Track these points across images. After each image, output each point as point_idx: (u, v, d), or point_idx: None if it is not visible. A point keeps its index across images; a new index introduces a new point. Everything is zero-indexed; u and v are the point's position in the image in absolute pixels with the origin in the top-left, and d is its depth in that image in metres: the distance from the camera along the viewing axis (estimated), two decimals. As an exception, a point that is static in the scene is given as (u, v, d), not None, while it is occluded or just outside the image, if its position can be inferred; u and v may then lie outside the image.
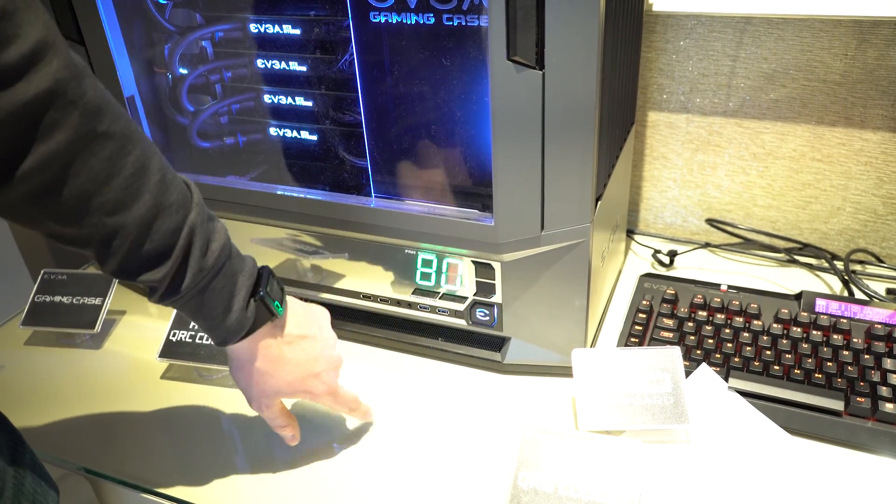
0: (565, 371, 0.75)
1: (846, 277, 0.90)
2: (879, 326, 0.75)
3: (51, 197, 0.46)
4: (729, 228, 1.01)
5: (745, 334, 0.77)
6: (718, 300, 0.81)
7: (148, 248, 0.51)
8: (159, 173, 0.51)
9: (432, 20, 0.65)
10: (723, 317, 0.79)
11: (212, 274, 0.55)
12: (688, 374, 0.72)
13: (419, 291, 0.80)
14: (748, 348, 0.75)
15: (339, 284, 0.83)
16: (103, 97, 0.47)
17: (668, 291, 0.84)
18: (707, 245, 1.02)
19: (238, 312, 0.57)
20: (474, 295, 0.77)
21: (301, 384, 0.64)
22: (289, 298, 0.64)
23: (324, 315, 0.67)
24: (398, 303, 0.81)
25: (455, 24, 0.65)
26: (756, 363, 0.73)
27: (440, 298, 0.79)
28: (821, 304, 0.80)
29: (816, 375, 0.71)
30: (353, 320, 0.85)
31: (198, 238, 0.53)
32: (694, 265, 0.98)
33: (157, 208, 0.51)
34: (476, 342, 0.81)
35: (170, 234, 0.52)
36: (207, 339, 0.79)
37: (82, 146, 0.46)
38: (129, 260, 0.51)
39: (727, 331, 0.77)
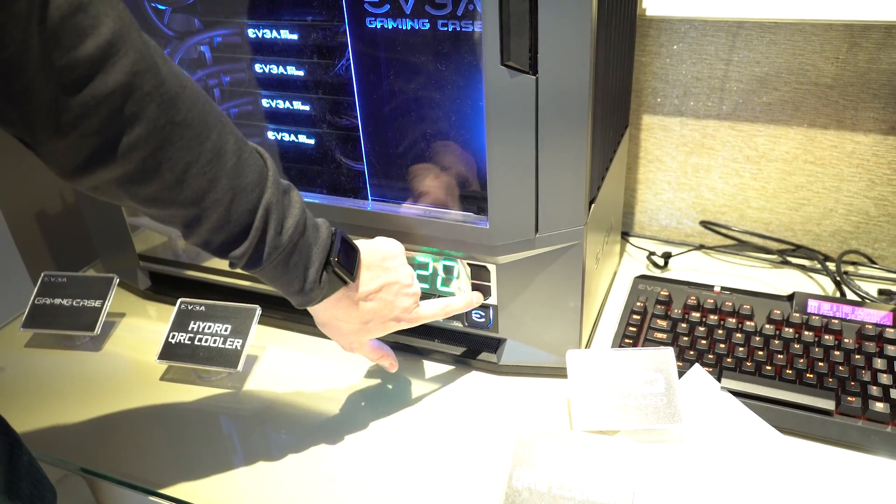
0: (560, 372, 0.76)
1: (838, 278, 0.91)
2: (870, 327, 0.76)
3: (134, 183, 0.49)
4: (723, 230, 1.02)
5: (738, 335, 0.78)
6: (712, 301, 0.82)
7: (227, 228, 0.54)
8: (235, 155, 0.52)
9: (427, 25, 0.66)
10: (716, 318, 0.80)
11: (288, 250, 0.57)
12: (681, 374, 0.73)
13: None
14: (741, 349, 0.76)
15: (337, 286, 0.84)
16: (179, 83, 0.48)
17: (661, 293, 0.85)
18: (701, 247, 1.03)
19: (312, 283, 0.60)
20: (470, 297, 0.78)
21: (383, 327, 0.68)
22: (360, 245, 0.66)
23: (397, 252, 0.69)
24: (395, 304, 0.82)
25: (450, 29, 0.65)
26: (748, 363, 0.74)
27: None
28: (813, 305, 0.81)
29: (808, 375, 0.72)
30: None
31: (273, 217, 0.55)
32: (688, 267, 0.99)
33: (234, 191, 0.53)
34: (472, 343, 0.81)
35: (246, 214, 0.54)
36: (206, 342, 0.80)
37: (161, 137, 0.47)
38: (210, 238, 0.54)
39: (720, 332, 0.78)
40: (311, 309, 0.65)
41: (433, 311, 0.72)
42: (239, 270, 0.58)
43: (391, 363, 0.75)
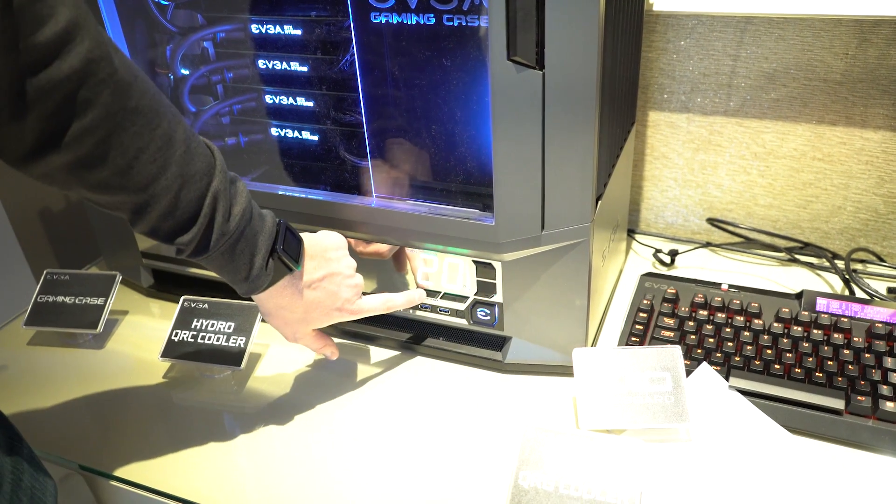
0: (566, 370, 0.75)
1: (847, 276, 0.90)
2: (880, 325, 0.75)
3: (85, 169, 0.50)
4: (730, 228, 1.01)
5: (746, 333, 0.77)
6: (719, 299, 0.82)
7: (176, 214, 0.55)
8: (184, 144, 0.54)
9: (433, 20, 0.65)
10: (723, 316, 0.80)
11: (235, 237, 0.59)
12: (688, 373, 0.73)
13: (420, 291, 0.80)
14: (749, 347, 0.75)
15: (341, 284, 0.84)
16: (131, 72, 0.50)
17: (668, 291, 0.84)
18: (708, 244, 1.02)
19: (258, 270, 0.61)
20: (475, 294, 0.77)
21: (327, 317, 0.70)
22: (304, 237, 0.67)
23: (340, 244, 0.71)
24: (399, 302, 0.81)
25: (455, 24, 0.65)
26: (757, 362, 0.74)
27: (441, 298, 0.79)
28: (821, 304, 0.80)
29: (817, 374, 0.71)
30: (353, 320, 0.85)
31: (221, 204, 0.57)
32: (695, 264, 0.98)
33: (183, 178, 0.54)
34: (477, 342, 0.81)
35: (195, 201, 0.55)
36: (209, 340, 0.80)
37: (114, 123, 0.49)
38: (158, 225, 0.55)
39: (728, 330, 0.77)
40: (256, 298, 0.66)
41: (375, 305, 0.73)
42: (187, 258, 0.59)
43: (332, 352, 0.76)
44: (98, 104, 0.47)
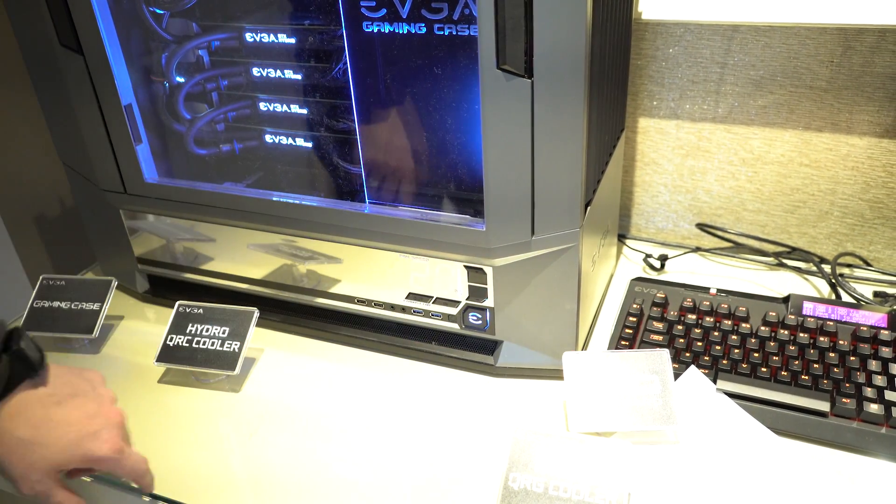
0: (557, 374, 0.76)
1: (833, 280, 0.91)
2: (865, 329, 0.76)
3: None
4: (719, 233, 1.02)
5: (734, 337, 0.78)
6: (707, 303, 0.83)
7: None
8: None
9: (424, 29, 0.67)
10: (711, 320, 0.81)
11: None
12: (677, 376, 0.74)
13: (413, 296, 0.81)
14: (736, 351, 0.76)
15: (334, 289, 0.85)
16: None
17: (658, 295, 0.85)
18: (697, 249, 1.03)
19: None
20: (467, 299, 0.78)
21: (78, 448, 0.56)
22: (52, 364, 0.60)
23: (97, 375, 0.64)
24: (392, 307, 0.82)
25: (446, 33, 0.66)
26: (744, 365, 0.75)
27: (433, 303, 0.80)
28: (808, 307, 0.81)
29: (803, 377, 0.72)
30: (347, 324, 0.86)
31: None
32: (685, 269, 0.99)
33: None
34: (469, 346, 0.82)
35: None
36: (204, 344, 0.80)
37: None
38: None
39: (716, 333, 0.79)
40: None
41: (131, 457, 0.61)
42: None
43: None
44: None
